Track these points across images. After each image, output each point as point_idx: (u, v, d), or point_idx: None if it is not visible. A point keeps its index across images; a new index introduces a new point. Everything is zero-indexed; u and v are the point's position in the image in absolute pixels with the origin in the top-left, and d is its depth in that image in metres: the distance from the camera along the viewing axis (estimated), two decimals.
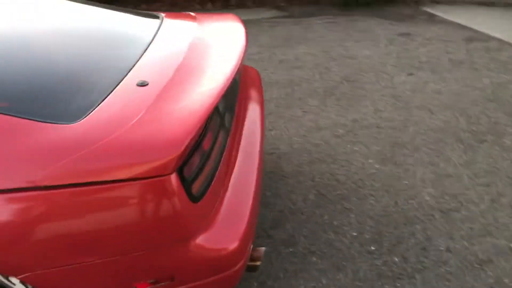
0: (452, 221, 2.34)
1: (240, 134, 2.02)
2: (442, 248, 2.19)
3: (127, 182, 1.38)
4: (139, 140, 1.42)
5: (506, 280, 2.00)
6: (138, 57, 1.91)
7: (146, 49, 2.00)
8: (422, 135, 3.09)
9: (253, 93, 2.45)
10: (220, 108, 1.85)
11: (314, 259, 2.18)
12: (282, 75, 4.09)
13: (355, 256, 2.18)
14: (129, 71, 1.79)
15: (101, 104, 1.57)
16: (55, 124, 1.45)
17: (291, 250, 2.24)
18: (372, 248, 2.22)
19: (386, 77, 3.88)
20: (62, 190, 1.36)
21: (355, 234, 2.31)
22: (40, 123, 1.45)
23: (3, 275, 1.44)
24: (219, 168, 1.69)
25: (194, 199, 1.49)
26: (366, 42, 4.75)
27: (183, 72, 1.80)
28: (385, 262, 2.13)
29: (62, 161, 1.36)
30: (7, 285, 1.48)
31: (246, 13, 6.08)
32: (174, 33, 2.19)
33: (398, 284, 2.01)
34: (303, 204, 2.53)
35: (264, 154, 2.43)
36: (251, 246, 1.78)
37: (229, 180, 1.75)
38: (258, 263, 1.86)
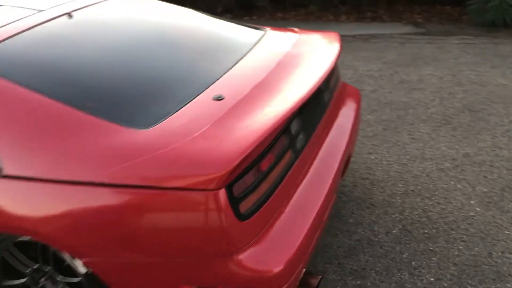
0: None
1: (314, 158, 1.99)
2: None
3: (178, 190, 1.46)
4: (195, 153, 1.50)
5: None
6: (225, 71, 2.00)
7: (236, 63, 2.08)
8: None
9: (344, 116, 2.39)
10: (293, 130, 1.84)
11: None
12: (399, 96, 3.91)
13: None
14: (211, 84, 1.88)
15: (174, 114, 1.68)
16: (129, 129, 1.60)
17: (358, 283, 2.15)
18: None
19: None
20: (120, 190, 1.49)
21: (432, 279, 2.13)
22: (117, 125, 1.60)
23: (71, 256, 1.62)
24: (277, 189, 1.69)
25: (241, 217, 1.52)
26: (504, 69, 4.31)
27: (260, 90, 1.84)
28: None
29: (126, 163, 1.49)
30: (74, 265, 1.66)
31: (379, 27, 5.91)
32: (267, 50, 2.24)
33: None
34: (385, 237, 2.40)
35: (342, 179, 2.36)
36: (303, 271, 1.75)
37: (288, 203, 1.74)
38: None
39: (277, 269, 1.56)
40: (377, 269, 2.22)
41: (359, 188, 2.81)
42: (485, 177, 2.80)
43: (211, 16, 2.67)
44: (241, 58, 2.16)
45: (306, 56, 2.18)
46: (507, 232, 2.37)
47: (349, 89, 2.71)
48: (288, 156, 1.80)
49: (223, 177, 1.45)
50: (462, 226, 2.43)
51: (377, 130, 3.44)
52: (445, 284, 2.10)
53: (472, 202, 2.61)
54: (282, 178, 1.74)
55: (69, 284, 1.79)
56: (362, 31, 5.89)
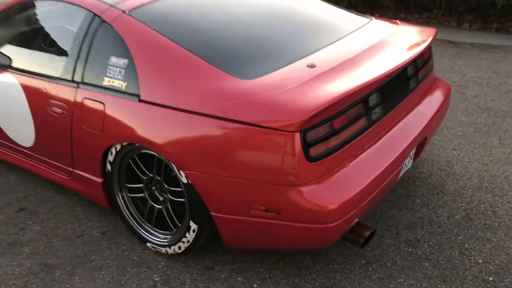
0: None
1: (387, 131, 2.29)
2: None
3: (264, 128, 1.89)
4: (281, 102, 1.92)
5: None
6: (324, 46, 2.39)
7: (335, 41, 2.45)
8: None
9: (427, 104, 2.63)
10: (371, 102, 2.17)
11: (427, 264, 2.32)
12: (500, 105, 3.96)
13: (467, 278, 2.23)
14: (309, 55, 2.28)
15: (273, 72, 2.11)
16: (238, 78, 2.06)
17: (410, 250, 2.42)
18: (490, 278, 2.23)
19: None
20: (224, 122, 1.95)
21: (480, 261, 2.33)
22: (229, 75, 2.08)
23: (177, 168, 2.12)
24: (346, 146, 2.04)
25: (310, 159, 1.91)
26: None
27: (348, 65, 2.21)
28: None
29: (231, 102, 1.95)
30: (180, 176, 2.16)
31: (502, 39, 5.80)
32: (365, 34, 2.57)
33: None
34: (446, 220, 2.62)
35: (415, 161, 2.60)
36: (356, 220, 2.09)
37: (353, 160, 2.08)
38: (361, 239, 2.15)
39: (331, 207, 1.92)
40: (430, 243, 2.46)
41: (434, 176, 3.02)
42: None
43: (328, 3, 3.04)
44: (341, 38, 2.52)
45: (396, 45, 2.47)
46: None
47: (440, 84, 2.93)
48: (362, 122, 2.13)
49: (299, 124, 1.84)
50: None
51: (468, 131, 3.57)
52: (492, 267, 2.29)
53: None
54: (352, 139, 2.08)
55: (171, 193, 2.31)
56: (482, 40, 5.83)
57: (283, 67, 2.19)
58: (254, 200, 2.00)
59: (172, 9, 2.42)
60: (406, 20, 7.00)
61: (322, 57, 2.29)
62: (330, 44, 2.45)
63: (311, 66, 2.19)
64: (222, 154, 1.99)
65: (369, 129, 2.17)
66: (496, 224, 2.59)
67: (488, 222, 2.60)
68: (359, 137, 2.12)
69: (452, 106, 4.00)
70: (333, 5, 2.99)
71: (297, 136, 1.87)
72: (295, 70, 2.16)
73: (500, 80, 4.51)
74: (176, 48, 2.19)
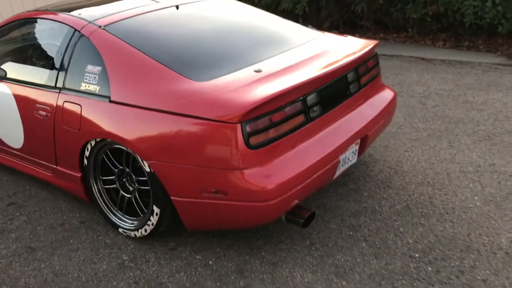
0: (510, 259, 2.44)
1: (325, 127, 2.63)
2: (479, 278, 2.36)
3: (211, 121, 2.24)
4: (227, 99, 2.28)
5: None
6: (273, 55, 2.76)
7: (285, 51, 2.83)
8: None
9: (369, 106, 2.98)
10: (309, 102, 2.52)
11: (363, 245, 2.64)
12: (456, 113, 4.30)
13: (397, 255, 2.54)
14: (258, 62, 2.65)
15: (223, 76, 2.47)
16: (193, 81, 2.42)
17: (351, 233, 2.74)
18: (417, 255, 2.54)
19: None
20: (178, 117, 2.31)
21: (411, 241, 2.65)
22: (187, 78, 2.45)
23: (141, 158, 2.47)
24: (284, 138, 2.38)
25: (250, 147, 2.26)
26: None
27: (289, 70, 2.57)
28: (418, 268, 2.44)
29: (183, 100, 2.31)
30: (143, 165, 2.50)
31: (471, 56, 6.16)
32: (312, 46, 2.94)
33: (415, 284, 2.33)
34: (387, 210, 2.94)
35: (359, 158, 2.92)
36: (296, 202, 2.42)
37: (291, 150, 2.42)
38: (301, 220, 2.47)
39: (269, 187, 2.26)
40: (370, 228, 2.78)
41: (383, 173, 3.35)
42: (499, 182, 3.17)
43: (285, 19, 3.43)
44: (290, 49, 2.90)
45: (337, 54, 2.83)
46: (493, 222, 2.77)
47: (386, 90, 3.28)
48: (300, 118, 2.48)
49: (239, 116, 2.19)
50: (457, 213, 2.88)
51: (422, 135, 3.90)
52: (420, 246, 2.61)
53: (476, 198, 3.02)
54: (291, 132, 2.42)
55: (138, 182, 2.65)
56: (453, 57, 6.21)
57: (233, 72, 2.55)
58: (206, 184, 2.34)
59: (139, 25, 2.82)
60: (385, 39, 7.42)
61: (269, 64, 2.66)
62: (279, 53, 2.82)
63: (258, 71, 2.56)
64: (177, 145, 2.34)
65: (307, 125, 2.51)
66: (431, 212, 2.90)
67: (424, 211, 2.92)
68: (298, 130, 2.46)
69: (411, 114, 4.35)
70: (290, 21, 3.38)
71: (239, 127, 2.22)
72: (243, 74, 2.53)
73: (460, 92, 4.86)
74: (141, 56, 2.57)
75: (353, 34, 7.28)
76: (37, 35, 3.19)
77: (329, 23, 7.80)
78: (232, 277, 2.45)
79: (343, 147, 2.65)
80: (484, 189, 3.10)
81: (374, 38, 7.44)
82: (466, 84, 5.08)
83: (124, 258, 2.62)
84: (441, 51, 6.60)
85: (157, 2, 3.15)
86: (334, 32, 3.26)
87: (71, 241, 2.79)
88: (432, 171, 3.36)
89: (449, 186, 3.17)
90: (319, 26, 7.59)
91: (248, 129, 2.24)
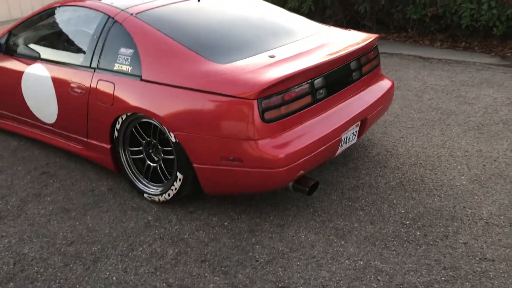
0: (490, 229, 2.79)
1: (330, 108, 2.97)
2: (461, 241, 2.71)
3: (231, 97, 2.59)
4: (245, 79, 2.63)
5: None
6: (286, 44, 3.11)
7: (296, 41, 3.18)
8: None
9: (368, 93, 3.33)
10: (316, 85, 2.86)
11: (360, 213, 2.99)
12: (449, 105, 4.65)
13: (390, 221, 2.90)
14: (273, 49, 3.00)
15: (240, 60, 2.82)
16: (215, 63, 2.77)
17: (350, 204, 3.09)
18: (407, 222, 2.89)
19: None
20: (201, 93, 2.66)
21: (402, 211, 3.00)
22: (209, 61, 2.79)
23: (168, 130, 2.82)
24: (294, 114, 2.73)
25: (264, 120, 2.60)
26: None
27: (300, 56, 2.91)
28: (408, 232, 2.79)
29: (207, 79, 2.66)
30: (170, 136, 2.85)
31: (466, 56, 6.51)
32: (321, 38, 3.29)
33: (405, 245, 2.68)
34: (383, 185, 3.30)
35: (359, 139, 3.27)
36: (302, 172, 2.77)
37: (300, 125, 2.76)
38: (306, 188, 2.82)
39: (280, 155, 2.61)
40: (367, 199, 3.13)
41: (380, 156, 3.70)
42: (484, 166, 3.52)
43: (297, 14, 3.79)
44: (300, 39, 3.25)
45: (341, 44, 3.18)
46: (476, 197, 3.13)
47: (385, 80, 3.63)
48: (308, 98, 2.83)
49: (256, 93, 2.54)
50: (444, 189, 3.23)
51: (416, 124, 4.26)
52: (410, 215, 2.96)
53: (462, 177, 3.37)
54: (299, 110, 2.77)
55: (164, 152, 3.00)
56: (449, 57, 6.56)
57: (250, 56, 2.91)
58: (225, 152, 2.69)
59: (168, 13, 3.17)
60: (386, 39, 7.77)
61: (282, 51, 3.01)
62: (291, 42, 3.18)
63: (272, 56, 2.91)
64: (200, 118, 2.69)
65: (314, 105, 2.86)
66: (421, 188, 3.25)
67: (415, 187, 3.27)
68: (305, 109, 2.81)
69: (407, 105, 4.70)
70: (300, 16, 3.74)
71: (255, 102, 2.57)
72: (259, 58, 2.88)
73: (454, 87, 5.22)
74: (169, 41, 2.92)
75: None
76: (72, 21, 3.54)
77: (333, 22, 8.14)
78: (245, 235, 2.80)
79: (344, 127, 3.00)
80: (470, 171, 3.46)
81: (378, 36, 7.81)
82: (460, 81, 5.43)
83: (149, 218, 2.97)
84: (439, 50, 6.95)
85: None
86: (348, 29, 3.61)
87: (101, 204, 3.14)
88: (424, 154, 3.71)
89: (439, 167, 3.52)
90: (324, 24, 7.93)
91: (263, 105, 2.59)
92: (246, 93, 2.57)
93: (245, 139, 2.61)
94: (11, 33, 3.76)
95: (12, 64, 3.68)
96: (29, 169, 3.59)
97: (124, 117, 3.02)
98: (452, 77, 5.58)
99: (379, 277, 2.46)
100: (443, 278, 2.45)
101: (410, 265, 2.55)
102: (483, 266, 2.52)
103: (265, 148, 2.60)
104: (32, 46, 3.64)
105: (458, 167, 3.52)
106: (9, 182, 3.43)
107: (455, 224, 2.87)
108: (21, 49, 3.67)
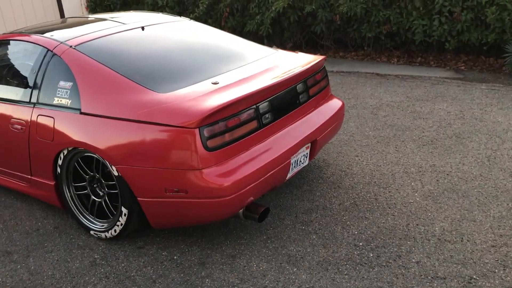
0: (443, 246, 2.77)
1: (277, 132, 2.94)
2: (414, 260, 2.68)
3: (172, 127, 2.52)
4: (186, 107, 2.57)
5: None
6: (231, 69, 3.07)
7: (241, 66, 3.15)
8: (482, 192, 3.37)
9: (317, 114, 3.31)
10: (261, 110, 2.82)
11: (314, 237, 2.94)
12: (404, 121, 4.69)
13: (343, 244, 2.85)
14: (216, 76, 2.96)
15: (182, 88, 2.77)
16: (156, 92, 2.71)
17: (303, 228, 3.04)
18: (360, 244, 2.85)
19: (497, 142, 4.11)
20: (142, 124, 2.58)
21: (356, 232, 2.96)
22: (150, 90, 2.73)
23: (110, 163, 2.73)
24: (238, 141, 2.68)
25: (208, 149, 2.54)
26: (510, 111, 4.88)
27: (243, 82, 2.88)
28: (361, 254, 2.75)
29: (147, 109, 2.59)
30: (112, 170, 2.76)
31: (422, 71, 6.63)
32: (267, 62, 3.28)
33: (357, 268, 2.63)
34: (337, 206, 3.26)
35: (310, 160, 3.24)
36: (251, 199, 2.71)
37: (246, 152, 2.71)
38: (256, 215, 2.76)
39: (225, 184, 2.54)
40: (320, 222, 3.09)
41: (335, 176, 3.68)
42: (438, 181, 3.53)
43: (242, 39, 3.77)
44: (246, 64, 3.22)
45: (287, 67, 3.17)
46: (429, 214, 3.12)
47: (334, 100, 3.63)
48: (253, 124, 2.78)
49: (196, 122, 2.49)
50: (398, 207, 3.21)
51: (371, 142, 4.27)
52: (363, 236, 2.92)
53: (416, 194, 3.37)
54: (245, 136, 2.72)
55: (108, 186, 2.90)
56: (405, 72, 6.67)
57: (193, 84, 2.86)
58: (168, 184, 2.61)
59: (109, 43, 3.11)
60: (344, 57, 7.88)
61: (226, 77, 2.97)
62: (236, 68, 3.15)
63: (215, 83, 2.87)
64: (142, 149, 2.61)
65: (260, 130, 2.82)
66: (375, 207, 3.23)
67: (369, 206, 3.24)
68: (251, 135, 2.77)
69: (363, 123, 4.72)
70: (246, 40, 3.73)
71: (197, 131, 2.51)
72: (201, 86, 2.84)
73: (409, 103, 5.28)
74: (108, 72, 2.85)
75: (315, 53, 7.71)
76: (12, 56, 3.43)
77: (292, 43, 8.22)
78: (195, 269, 2.71)
79: (293, 150, 2.96)
80: (424, 187, 3.46)
81: (334, 57, 7.90)
82: (415, 96, 5.51)
83: (96, 256, 2.85)
84: (395, 67, 7.07)
85: (124, 24, 3.44)
86: (296, 51, 3.61)
87: (46, 244, 3.00)
88: (378, 172, 3.70)
89: (393, 185, 3.51)
90: (283, 46, 7.99)
91: (205, 133, 2.53)
92: (187, 122, 2.51)
93: (188, 169, 2.54)
94: None
95: None
96: None
97: (65, 152, 2.92)
98: (407, 93, 5.65)
99: None
100: None
101: None
102: (435, 285, 2.49)
103: (210, 177, 2.54)
104: None
105: (412, 183, 3.52)
106: None
107: (408, 242, 2.84)
108: None
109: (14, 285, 2.64)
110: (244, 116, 2.72)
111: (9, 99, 3.21)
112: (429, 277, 2.55)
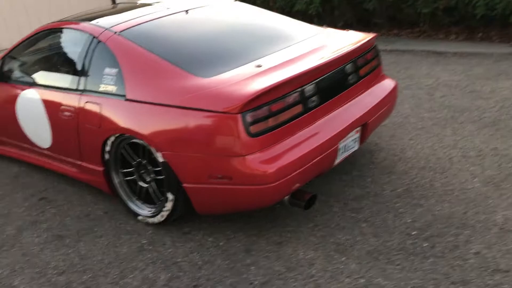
0: (505, 236, 2.57)
1: (324, 116, 2.81)
2: (472, 251, 2.50)
3: (215, 112, 2.47)
4: (228, 92, 2.50)
5: None
6: (275, 51, 2.97)
7: (285, 48, 3.04)
8: None
9: (368, 96, 3.15)
10: (307, 93, 2.71)
11: (364, 225, 2.81)
12: (462, 102, 4.41)
13: (395, 232, 2.71)
14: (260, 58, 2.87)
15: (225, 72, 2.70)
16: (199, 77, 2.65)
17: (353, 215, 2.92)
18: (413, 232, 2.70)
19: None
20: (184, 110, 2.54)
21: (409, 220, 2.81)
22: (192, 75, 2.68)
23: (155, 150, 2.72)
24: (283, 126, 2.58)
25: (251, 135, 2.46)
26: None
27: (287, 64, 2.77)
28: (414, 244, 2.60)
29: (189, 95, 2.55)
30: (157, 156, 2.74)
31: (483, 47, 6.21)
32: (312, 42, 3.14)
33: (410, 258, 2.49)
34: (389, 193, 3.11)
35: (361, 145, 3.09)
36: (297, 185, 2.62)
37: (291, 137, 2.61)
38: (302, 202, 2.67)
39: (270, 171, 2.46)
40: (371, 210, 2.95)
41: (387, 160, 3.51)
42: (500, 165, 3.29)
43: (289, 18, 3.65)
44: (290, 45, 3.10)
45: (335, 47, 3.02)
46: (490, 201, 2.90)
47: (387, 81, 3.44)
48: (298, 108, 2.67)
49: (239, 107, 2.41)
50: (455, 194, 3.02)
51: (427, 124, 4.04)
52: (417, 225, 2.76)
53: (475, 180, 3.15)
54: (290, 120, 2.62)
55: (154, 172, 2.90)
56: (465, 49, 6.28)
57: (235, 68, 2.78)
58: (212, 170, 2.56)
59: (153, 28, 3.08)
60: (398, 35, 7.53)
61: (270, 60, 2.87)
62: (280, 50, 3.04)
63: (258, 66, 2.77)
64: (185, 136, 2.58)
65: (305, 114, 2.71)
66: (430, 194, 3.05)
67: (424, 193, 3.07)
68: (296, 119, 2.66)
69: (418, 105, 4.48)
70: (293, 19, 3.60)
71: (239, 117, 2.44)
72: (244, 69, 2.75)
73: (469, 81, 4.96)
74: (152, 57, 2.82)
75: (367, 32, 7.40)
76: (61, 43, 3.48)
77: (343, 22, 7.94)
78: (240, 256, 2.66)
79: (342, 135, 2.83)
80: (484, 172, 3.23)
81: (387, 35, 7.56)
82: (475, 75, 5.17)
83: (143, 242, 2.87)
84: (454, 44, 6.67)
85: (168, 8, 3.41)
86: (347, 30, 3.44)
87: (96, 229, 3.05)
88: (434, 156, 3.50)
89: (450, 170, 3.30)
90: (334, 26, 7.74)
91: (248, 118, 2.45)
92: (229, 107, 2.44)
93: (232, 155, 2.48)
94: (3, 59, 3.74)
95: (7, 91, 3.66)
96: (27, 195, 3.55)
97: (112, 138, 2.94)
98: (467, 71, 5.32)
99: None
100: None
101: (415, 280, 2.36)
102: (497, 278, 2.31)
103: (254, 163, 2.46)
104: (23, 71, 3.62)
105: (471, 168, 3.29)
106: (7, 210, 3.39)
107: (466, 232, 2.66)
108: (14, 75, 3.66)
109: (66, 269, 2.70)
110: (289, 100, 2.62)
111: (59, 87, 3.26)
112: (489, 270, 2.37)
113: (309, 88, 2.72)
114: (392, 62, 5.97)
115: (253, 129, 2.47)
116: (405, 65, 5.81)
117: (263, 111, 2.51)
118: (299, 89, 2.66)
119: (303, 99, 2.69)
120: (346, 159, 3.09)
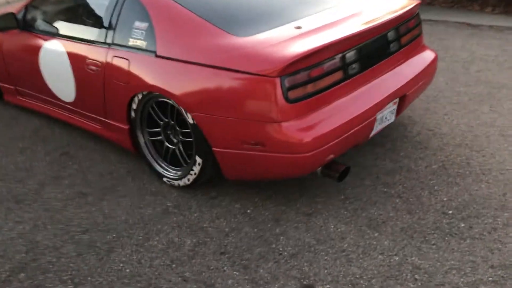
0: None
1: (363, 84, 2.67)
2: (511, 235, 2.40)
3: (251, 74, 2.33)
4: (267, 54, 2.35)
5: None
6: (314, 13, 2.81)
7: (325, 10, 2.86)
8: None
9: (408, 66, 2.99)
10: (348, 59, 2.56)
11: (397, 200, 2.70)
12: (500, 78, 4.22)
13: (430, 211, 2.60)
14: (299, 19, 2.70)
15: (263, 32, 2.54)
16: (234, 36, 2.51)
17: (385, 190, 2.81)
18: (450, 212, 2.59)
19: None
20: (218, 70, 2.41)
21: (445, 199, 2.69)
22: (229, 34, 2.53)
23: (185, 110, 2.60)
24: (322, 93, 2.45)
25: (288, 100, 2.33)
26: None
27: (328, 27, 2.61)
28: (451, 223, 2.50)
29: (225, 54, 2.40)
30: (187, 117, 2.63)
31: None
32: (353, 5, 2.96)
33: (446, 238, 2.39)
34: (423, 169, 2.98)
35: (397, 117, 2.95)
36: (331, 157, 2.50)
37: (329, 105, 2.48)
38: (336, 174, 2.56)
39: (305, 139, 2.34)
40: (405, 185, 2.84)
41: (421, 135, 3.37)
42: None
43: None
44: (330, 7, 2.93)
45: (377, 12, 2.84)
46: None
47: (427, 51, 3.26)
48: (338, 74, 2.53)
49: (278, 70, 2.27)
50: (494, 174, 2.88)
51: (462, 100, 3.87)
52: (453, 204, 2.65)
53: None
54: (328, 87, 2.48)
55: (182, 134, 2.79)
56: (502, 23, 6.00)
57: (274, 28, 2.62)
58: (245, 136, 2.45)
59: None
60: (431, 4, 7.23)
61: (310, 21, 2.70)
62: (320, 11, 2.86)
63: (298, 27, 2.61)
64: (218, 98, 2.45)
65: (345, 81, 2.56)
66: (467, 172, 2.92)
67: (460, 171, 2.94)
68: (335, 86, 2.52)
69: (453, 78, 4.29)
70: None
71: (278, 80, 2.30)
72: (283, 30, 2.59)
73: (507, 57, 4.74)
74: (186, 13, 2.66)
75: None
76: None
77: None
78: (268, 225, 2.58)
79: (380, 105, 2.69)
80: None
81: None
82: None
83: (168, 204, 2.79)
84: (490, 16, 6.39)
85: None
86: None
87: (119, 188, 2.98)
88: (471, 134, 3.35)
89: (487, 148, 3.16)
90: None
91: (287, 83, 2.32)
92: (268, 69, 2.30)
93: (267, 121, 2.36)
94: (27, 8, 3.60)
95: (30, 41, 3.53)
96: (48, 150, 3.48)
97: (140, 96, 2.82)
98: (504, 46, 5.08)
99: (416, 276, 2.20)
100: (490, 278, 2.16)
101: (452, 262, 2.26)
102: None
103: (290, 131, 2.34)
104: (48, 21, 3.48)
105: (510, 148, 3.15)
106: (28, 164, 3.32)
107: (506, 214, 2.54)
108: (37, 24, 3.52)
109: (89, 228, 2.65)
110: (329, 65, 2.47)
111: (85, 39, 3.13)
112: None
113: (350, 54, 2.57)
114: (425, 32, 5.66)
115: (291, 94, 2.34)
116: (439, 36, 5.57)
117: (302, 76, 2.37)
118: (340, 55, 2.52)
119: (343, 66, 2.55)
120: (381, 131, 2.96)
